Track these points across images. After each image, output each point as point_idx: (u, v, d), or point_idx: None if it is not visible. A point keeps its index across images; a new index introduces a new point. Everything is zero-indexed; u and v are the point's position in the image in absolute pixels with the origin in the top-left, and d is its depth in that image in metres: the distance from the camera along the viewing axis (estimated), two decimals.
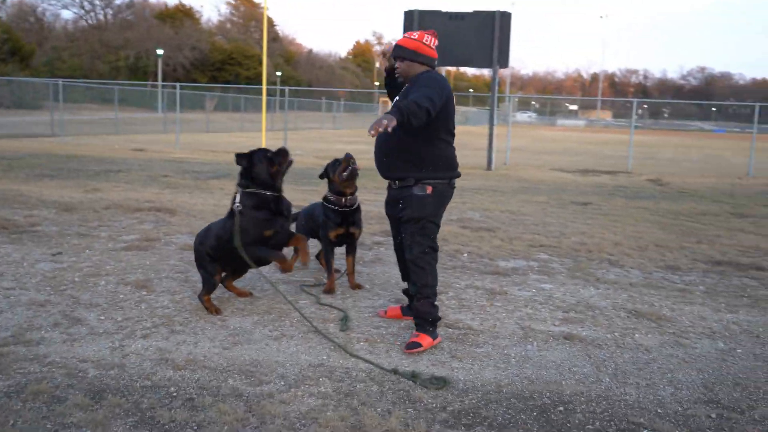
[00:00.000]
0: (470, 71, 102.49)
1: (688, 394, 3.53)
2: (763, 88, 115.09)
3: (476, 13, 16.84)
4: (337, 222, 5.03)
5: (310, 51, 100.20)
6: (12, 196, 9.26)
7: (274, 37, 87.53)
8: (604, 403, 3.40)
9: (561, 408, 3.32)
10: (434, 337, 4.10)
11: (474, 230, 8.00)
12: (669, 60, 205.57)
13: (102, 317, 4.40)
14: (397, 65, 4.17)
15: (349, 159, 4.93)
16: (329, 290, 5.13)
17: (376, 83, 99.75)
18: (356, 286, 5.30)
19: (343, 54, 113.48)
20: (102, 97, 41.52)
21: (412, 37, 4.15)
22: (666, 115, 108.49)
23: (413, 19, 16.98)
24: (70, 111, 24.38)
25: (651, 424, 3.16)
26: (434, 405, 3.29)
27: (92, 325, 4.25)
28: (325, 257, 5.22)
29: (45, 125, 25.75)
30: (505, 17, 16.58)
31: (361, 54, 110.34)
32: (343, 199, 5.02)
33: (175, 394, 3.31)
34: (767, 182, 16.24)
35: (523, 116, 74.78)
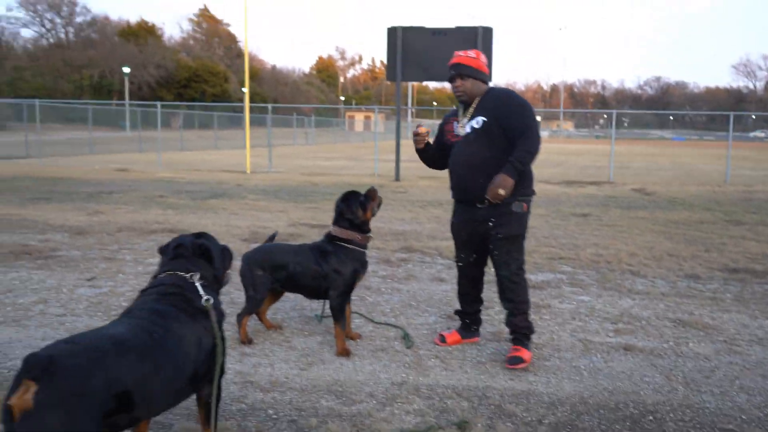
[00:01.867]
0: (432, 84, 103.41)
1: (762, 400, 3.68)
2: (716, 97, 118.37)
3: (458, 29, 17.12)
4: (364, 265, 4.39)
5: (274, 67, 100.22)
6: (16, 221, 9.13)
7: (238, 54, 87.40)
8: (689, 411, 3.52)
9: (650, 417, 3.43)
10: (530, 350, 4.21)
11: None
12: (626, 70, 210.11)
13: None
14: (458, 83, 4.21)
15: (376, 194, 4.42)
16: (347, 352, 4.25)
17: (342, 98, 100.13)
18: (356, 336, 4.60)
19: (306, 69, 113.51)
20: (66, 116, 40.98)
21: (470, 55, 4.23)
22: (626, 125, 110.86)
23: (396, 36, 17.20)
24: (37, 131, 23.99)
25: (742, 430, 3.29)
26: (530, 419, 3.38)
27: None
28: (343, 313, 4.30)
29: (16, 146, 25.31)
30: (487, 32, 16.88)
31: (324, 69, 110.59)
32: (369, 235, 4.42)
33: (275, 416, 3.34)
34: (745, 189, 16.74)
35: None
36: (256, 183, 15.83)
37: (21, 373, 2.03)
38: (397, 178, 17.57)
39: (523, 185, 4.10)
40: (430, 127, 4.45)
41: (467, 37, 16.84)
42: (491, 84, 4.36)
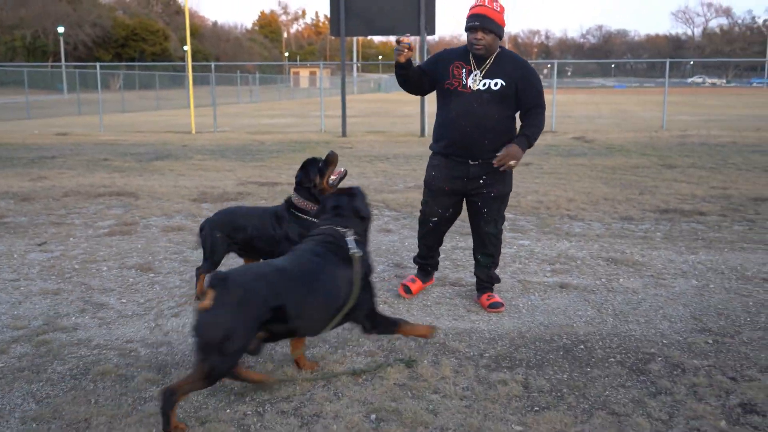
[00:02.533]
0: (377, 38, 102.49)
1: (682, 326, 4.02)
2: (656, 45, 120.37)
3: None
4: None
5: (215, 23, 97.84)
6: None
7: (177, 10, 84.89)
8: (616, 339, 3.84)
9: (581, 346, 3.74)
10: None
11: None
12: (570, 20, 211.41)
13: (123, 300, 4.52)
14: (480, 36, 4.02)
15: (336, 158, 4.22)
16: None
17: (286, 54, 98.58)
18: None
19: (249, 25, 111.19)
20: None
21: (495, 8, 4.04)
22: (569, 74, 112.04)
23: None
24: None
25: (662, 353, 3.62)
26: (472, 353, 3.65)
27: (117, 308, 4.37)
28: None
29: None
30: None
31: (267, 24, 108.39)
32: None
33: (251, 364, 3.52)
34: (680, 134, 17.35)
35: None
36: (202, 143, 15.72)
37: (207, 286, 2.83)
38: (344, 134, 17.64)
39: None
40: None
41: None
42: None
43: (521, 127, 4.21)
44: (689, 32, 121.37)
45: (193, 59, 19.46)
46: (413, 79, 4.22)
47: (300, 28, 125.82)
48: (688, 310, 4.30)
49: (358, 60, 77.36)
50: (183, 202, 7.94)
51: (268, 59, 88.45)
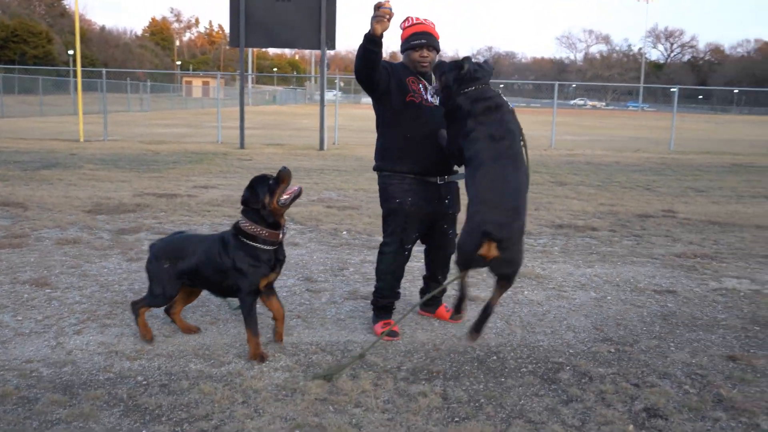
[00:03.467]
0: (272, 50, 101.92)
1: (586, 336, 4.22)
2: (542, 67, 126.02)
3: None
4: (271, 265, 3.73)
5: (103, 28, 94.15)
6: None
7: (62, 12, 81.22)
8: (526, 350, 3.98)
9: (494, 357, 3.85)
10: None
11: (340, 209, 8.39)
12: (461, 40, 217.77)
13: (19, 318, 4.26)
14: (426, 54, 4.00)
15: (289, 175, 3.67)
16: (260, 356, 3.71)
17: (178, 62, 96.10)
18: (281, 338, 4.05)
19: (139, 31, 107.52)
20: None
21: (434, 26, 4.05)
22: None
23: (239, 1, 16.83)
24: None
25: (570, 362, 3.79)
26: (390, 366, 3.68)
27: (13, 326, 4.11)
28: (252, 315, 3.72)
29: None
30: (330, 0, 16.94)
31: (159, 32, 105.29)
32: (280, 234, 3.72)
33: (145, 382, 3.40)
34: (568, 153, 18.23)
35: (329, 95, 75.96)
36: (93, 152, 15.05)
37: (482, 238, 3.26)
38: (242, 146, 17.37)
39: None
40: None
41: (311, 4, 16.86)
42: None
43: None
44: (572, 56, 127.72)
45: (81, 64, 18.62)
46: (378, 58, 3.78)
47: (193, 37, 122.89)
48: (590, 320, 4.52)
49: (253, 71, 76.47)
50: (76, 213, 7.57)
51: (159, 67, 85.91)
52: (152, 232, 6.76)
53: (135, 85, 44.64)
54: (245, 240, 3.68)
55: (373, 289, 4.34)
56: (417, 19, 4.03)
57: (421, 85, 4.05)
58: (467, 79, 3.63)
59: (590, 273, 5.71)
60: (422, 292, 4.58)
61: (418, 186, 4.05)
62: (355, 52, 3.83)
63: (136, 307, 3.95)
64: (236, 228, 3.74)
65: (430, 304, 4.49)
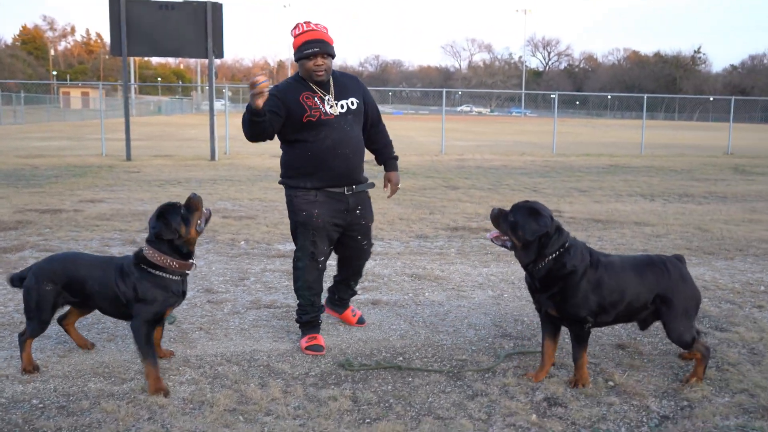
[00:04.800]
0: (155, 59, 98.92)
1: (486, 333, 4.37)
2: (428, 75, 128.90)
3: (187, 3, 16.68)
4: (179, 295, 3.58)
5: None
6: None
7: None
8: (431, 349, 4.08)
9: (400, 358, 3.92)
10: None
11: (237, 219, 8.27)
12: (349, 49, 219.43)
13: None
14: (321, 62, 3.89)
15: (200, 202, 3.54)
16: (163, 390, 3.37)
17: (54, 73, 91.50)
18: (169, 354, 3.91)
19: (9, 40, 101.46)
20: None
21: (327, 32, 3.96)
22: None
23: (120, 8, 16.25)
24: None
25: (473, 359, 3.91)
26: (298, 373, 3.68)
27: None
28: (150, 345, 3.46)
29: None
30: (216, 8, 16.67)
31: (31, 40, 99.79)
32: (191, 261, 3.58)
33: (41, 405, 3.23)
34: (458, 158, 18.74)
35: (217, 105, 74.42)
36: None
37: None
38: (129, 158, 16.75)
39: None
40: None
41: (196, 12, 16.52)
42: None
43: (381, 147, 4.32)
44: (457, 65, 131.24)
45: None
46: (267, 124, 3.77)
47: (69, 46, 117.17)
48: (489, 318, 4.68)
49: (136, 81, 73.88)
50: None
51: (33, 77, 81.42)
52: (37, 249, 6.42)
53: (7, 97, 42.09)
54: (151, 270, 3.47)
55: (274, 298, 4.31)
56: (308, 24, 3.92)
57: (317, 98, 3.94)
58: None
59: (486, 272, 5.91)
60: (330, 291, 4.55)
61: (325, 198, 3.99)
62: (241, 118, 3.80)
63: (22, 339, 3.62)
64: (139, 258, 3.51)
65: (338, 303, 4.51)
